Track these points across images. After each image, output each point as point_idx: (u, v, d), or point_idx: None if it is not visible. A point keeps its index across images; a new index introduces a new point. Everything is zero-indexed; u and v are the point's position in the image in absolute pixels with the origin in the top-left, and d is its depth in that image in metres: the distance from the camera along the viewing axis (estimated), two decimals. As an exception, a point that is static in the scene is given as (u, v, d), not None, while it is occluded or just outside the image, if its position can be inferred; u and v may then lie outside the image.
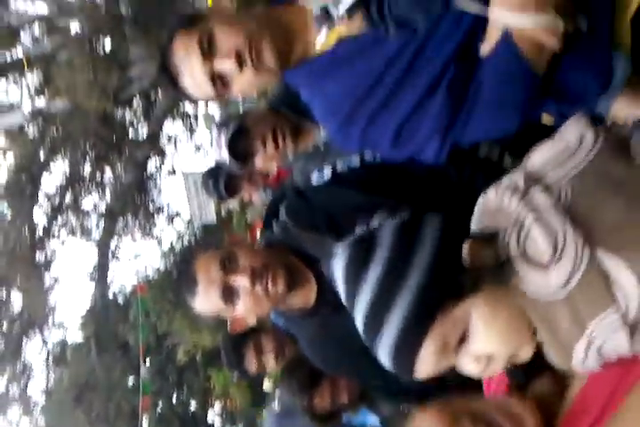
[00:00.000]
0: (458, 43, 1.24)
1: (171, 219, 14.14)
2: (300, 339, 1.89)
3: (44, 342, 14.43)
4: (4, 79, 10.15)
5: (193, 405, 15.47)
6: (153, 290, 13.18)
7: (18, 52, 9.77)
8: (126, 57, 8.75)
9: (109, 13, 8.37)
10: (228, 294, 1.59)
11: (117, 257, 14.09)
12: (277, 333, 2.41)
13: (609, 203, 0.98)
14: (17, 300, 13.33)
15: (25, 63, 9.33)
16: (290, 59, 1.38)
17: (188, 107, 12.26)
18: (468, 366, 1.04)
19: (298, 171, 2.34)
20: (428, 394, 1.31)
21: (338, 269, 1.13)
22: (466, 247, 1.02)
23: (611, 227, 0.96)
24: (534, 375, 1.12)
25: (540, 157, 1.08)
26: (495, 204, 1.06)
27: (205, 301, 1.63)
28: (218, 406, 14.61)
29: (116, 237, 13.63)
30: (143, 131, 12.52)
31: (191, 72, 1.36)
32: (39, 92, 9.75)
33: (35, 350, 15.02)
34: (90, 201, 12.76)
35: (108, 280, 14.29)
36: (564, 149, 1.07)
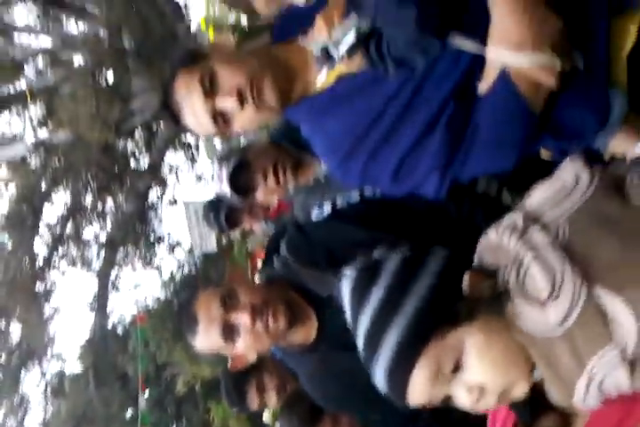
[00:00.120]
0: (456, 81, 1.26)
1: (172, 248, 14.13)
2: (299, 374, 1.88)
3: (43, 374, 14.29)
4: (7, 111, 10.25)
5: (192, 438, 15.23)
6: (153, 319, 13.10)
7: (21, 85, 9.89)
8: (129, 89, 8.84)
9: (112, 47, 8.49)
10: (229, 332, 1.59)
11: (117, 287, 14.06)
12: (279, 369, 2.38)
13: (604, 241, 1.00)
14: (16, 331, 13.27)
15: (28, 95, 9.43)
16: (290, 96, 1.39)
17: (189, 137, 12.36)
18: (461, 396, 1.04)
19: (299, 204, 2.35)
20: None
21: (345, 291, 1.15)
22: (466, 278, 1.04)
23: (607, 265, 0.98)
24: (539, 415, 1.11)
25: (537, 196, 1.10)
26: (496, 242, 1.08)
27: (206, 339, 1.63)
28: (217, 438, 14.39)
29: (116, 267, 13.61)
30: (145, 161, 12.61)
31: (193, 110, 1.37)
32: (42, 123, 9.84)
33: (33, 382, 14.87)
34: (91, 231, 12.79)
35: (108, 310, 14.22)
36: (560, 188, 1.09)
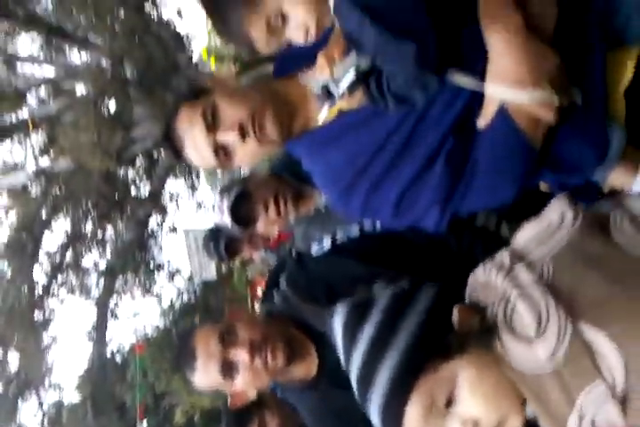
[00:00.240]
0: (455, 116, 1.27)
1: (171, 276, 14.08)
2: (300, 410, 1.86)
3: (40, 404, 14.10)
4: (8, 140, 10.30)
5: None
6: (151, 348, 13.00)
7: (23, 114, 9.94)
8: (130, 118, 8.90)
9: (114, 76, 8.56)
10: (227, 369, 1.58)
11: (116, 315, 13.97)
12: (280, 406, 2.35)
13: (588, 278, 1.02)
14: (14, 360, 13.14)
15: (30, 124, 9.48)
16: (292, 130, 1.40)
17: (190, 164, 12.35)
18: None
19: (299, 234, 2.35)
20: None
21: (337, 328, 1.16)
22: (456, 313, 1.07)
23: (591, 301, 0.99)
24: None
25: (524, 235, 1.13)
26: (484, 279, 1.11)
27: (205, 376, 1.62)
28: (216, 470, 14.15)
29: (115, 295, 13.53)
30: (145, 189, 12.63)
31: (195, 144, 1.38)
32: (43, 152, 9.88)
33: (30, 412, 14.66)
34: (90, 259, 12.75)
35: (107, 339, 14.11)
36: (546, 227, 1.12)
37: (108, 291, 13.23)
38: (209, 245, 3.20)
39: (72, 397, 14.85)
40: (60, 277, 12.36)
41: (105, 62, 9.34)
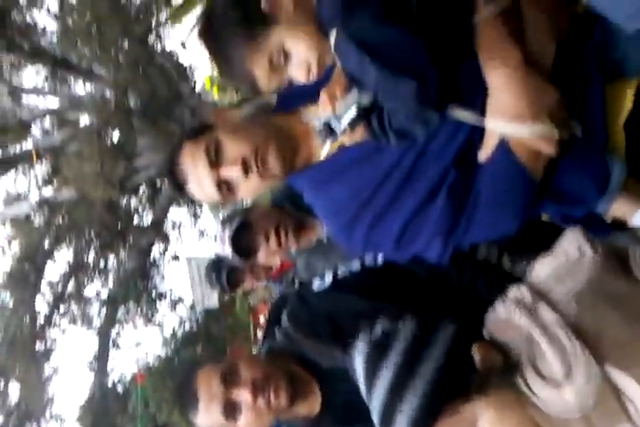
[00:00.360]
0: (456, 150, 1.28)
1: (173, 304, 14.00)
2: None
3: (40, 437, 13.91)
4: (13, 170, 10.35)
5: None
6: (153, 377, 12.87)
7: (28, 144, 10.01)
8: (133, 147, 8.95)
9: (118, 107, 8.63)
10: (230, 410, 1.57)
11: (118, 345, 13.86)
12: None
13: (610, 318, 1.01)
14: (14, 391, 13.00)
15: (34, 155, 9.54)
16: (294, 165, 1.42)
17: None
18: None
19: (302, 265, 2.34)
20: None
21: (358, 367, 1.16)
22: (476, 351, 1.05)
23: (614, 342, 0.98)
24: None
25: (543, 270, 1.12)
26: (505, 317, 1.10)
27: (207, 417, 1.60)
28: None
29: (117, 325, 13.45)
30: (148, 217, 12.64)
31: (198, 179, 1.39)
32: (47, 182, 9.91)
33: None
34: (92, 289, 12.69)
35: (108, 369, 13.98)
36: (565, 262, 1.11)
37: (110, 320, 13.15)
38: (211, 276, 3.20)
39: (73, 428, 14.66)
40: (61, 306, 12.31)
41: (109, 93, 9.43)
